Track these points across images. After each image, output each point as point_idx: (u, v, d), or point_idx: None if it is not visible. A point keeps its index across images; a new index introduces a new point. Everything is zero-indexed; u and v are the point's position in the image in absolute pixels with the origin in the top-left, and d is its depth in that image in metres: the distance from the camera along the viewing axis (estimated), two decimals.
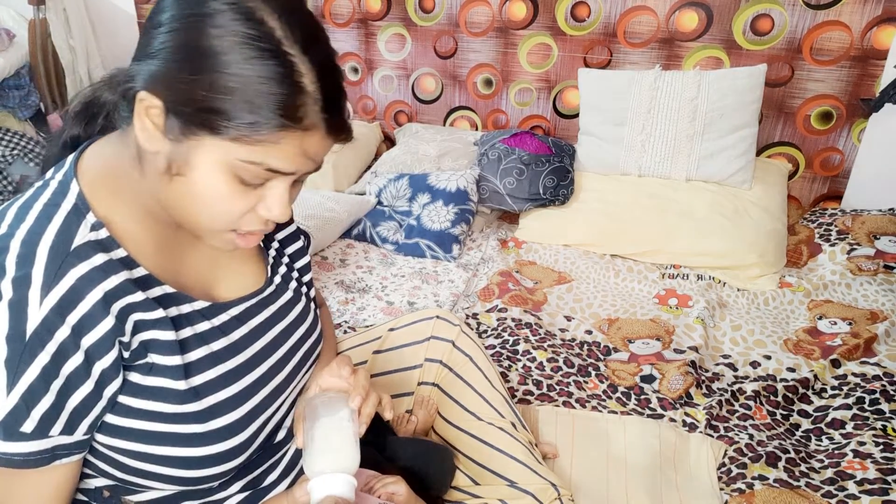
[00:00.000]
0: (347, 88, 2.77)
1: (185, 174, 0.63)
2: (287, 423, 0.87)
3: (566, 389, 1.45)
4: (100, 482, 0.74)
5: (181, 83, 0.60)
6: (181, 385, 0.69)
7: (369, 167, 2.53)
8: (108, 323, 0.63)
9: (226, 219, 0.67)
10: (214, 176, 0.63)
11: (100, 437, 0.69)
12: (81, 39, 2.60)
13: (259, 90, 0.59)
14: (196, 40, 0.59)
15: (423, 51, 2.52)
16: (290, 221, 0.94)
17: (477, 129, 2.57)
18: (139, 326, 0.67)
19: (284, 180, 0.66)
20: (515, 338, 1.59)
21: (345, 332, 1.59)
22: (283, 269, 0.88)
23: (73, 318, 0.62)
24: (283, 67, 0.59)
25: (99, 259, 0.64)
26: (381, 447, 1.05)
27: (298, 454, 0.88)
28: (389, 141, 2.72)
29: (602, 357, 1.59)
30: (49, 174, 0.70)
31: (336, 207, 2.07)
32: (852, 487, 1.16)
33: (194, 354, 0.71)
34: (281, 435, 0.86)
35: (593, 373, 1.52)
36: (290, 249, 0.92)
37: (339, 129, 0.66)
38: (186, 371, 0.70)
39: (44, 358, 0.61)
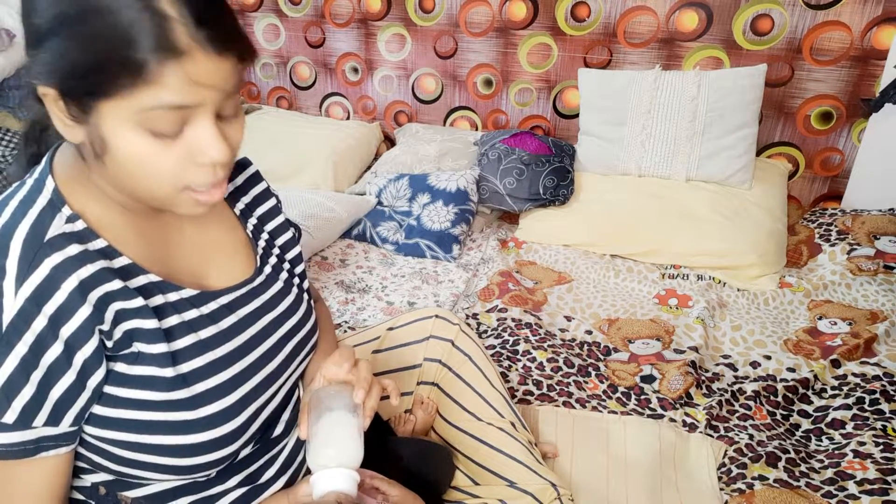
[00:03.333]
0: (348, 88, 2.75)
1: (107, 151, 0.62)
2: (284, 417, 0.87)
3: (566, 389, 1.44)
4: (95, 477, 0.74)
5: (58, 62, 0.59)
6: (168, 372, 0.69)
7: (369, 167, 2.53)
8: (85, 311, 0.63)
9: (165, 178, 0.64)
10: (128, 139, 0.61)
11: (90, 428, 0.69)
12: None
13: (121, 34, 0.57)
14: (51, 10, 0.58)
15: (423, 51, 2.52)
16: (279, 212, 0.93)
17: (477, 130, 2.57)
18: (120, 316, 0.67)
19: (202, 116, 0.63)
20: (515, 338, 1.59)
21: (344, 331, 1.59)
22: (273, 260, 0.88)
23: (49, 307, 0.62)
24: (136, 0, 0.57)
25: (73, 249, 0.64)
26: (381, 447, 1.05)
27: (296, 450, 0.88)
28: (389, 141, 2.72)
29: (602, 357, 1.59)
30: (27, 174, 0.70)
31: (336, 207, 2.07)
32: (852, 487, 1.15)
33: (182, 342, 0.71)
34: (278, 430, 0.85)
35: (593, 373, 1.52)
36: (280, 240, 0.92)
37: (222, 44, 0.61)
38: (174, 358, 0.70)
39: (21, 349, 0.61)
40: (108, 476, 0.74)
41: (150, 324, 0.69)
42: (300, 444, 0.89)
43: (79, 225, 0.67)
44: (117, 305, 0.66)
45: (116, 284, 0.66)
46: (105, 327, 0.66)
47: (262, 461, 0.83)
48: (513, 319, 1.67)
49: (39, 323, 0.62)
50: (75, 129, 0.63)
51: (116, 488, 0.75)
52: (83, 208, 0.68)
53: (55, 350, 0.63)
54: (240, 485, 0.81)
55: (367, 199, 2.22)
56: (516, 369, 1.49)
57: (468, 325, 1.45)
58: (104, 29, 0.57)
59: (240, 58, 0.64)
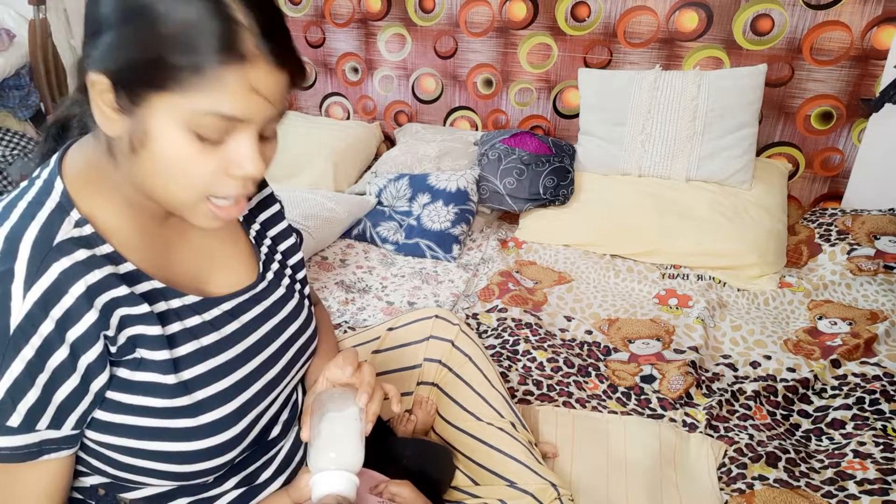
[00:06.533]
0: (348, 88, 2.75)
1: (146, 145, 0.63)
2: (282, 418, 0.87)
3: (566, 389, 1.44)
4: (94, 480, 0.74)
5: (119, 49, 0.61)
6: (170, 379, 0.69)
7: (369, 167, 2.53)
8: (91, 316, 0.64)
9: (195, 182, 0.65)
10: (172, 138, 0.62)
11: (91, 433, 0.69)
12: (82, 39, 2.60)
13: (190, 31, 0.59)
14: (122, 1, 0.60)
15: (423, 51, 2.52)
16: (282, 218, 0.93)
17: (477, 129, 2.57)
18: (125, 322, 0.67)
19: (247, 131, 0.64)
20: (515, 338, 1.59)
21: (344, 331, 1.59)
22: (275, 266, 0.88)
23: (56, 312, 0.62)
24: (210, 3, 0.59)
25: (82, 254, 0.64)
26: (381, 447, 1.05)
27: (293, 451, 0.88)
28: (389, 141, 2.72)
29: (602, 357, 1.59)
30: (35, 173, 0.70)
31: (336, 207, 2.07)
32: (852, 487, 1.15)
33: (184, 349, 0.72)
34: (275, 432, 0.85)
35: (593, 373, 1.52)
36: (282, 246, 0.92)
37: (284, 59, 0.63)
38: (175, 365, 0.70)
39: (28, 352, 0.61)
40: (106, 479, 0.74)
41: (154, 330, 0.69)
42: (297, 445, 0.89)
43: (87, 229, 0.67)
44: (122, 311, 0.66)
45: (123, 290, 0.66)
46: (110, 333, 0.66)
47: (259, 462, 0.84)
48: (513, 319, 1.67)
49: (47, 327, 0.62)
50: (116, 121, 0.63)
51: (116, 490, 0.75)
52: (91, 212, 0.68)
53: (61, 354, 0.63)
54: (237, 486, 0.81)
55: (367, 199, 2.22)
56: (516, 369, 1.49)
57: (468, 325, 1.45)
58: (173, 26, 0.59)
59: (293, 76, 0.65)
